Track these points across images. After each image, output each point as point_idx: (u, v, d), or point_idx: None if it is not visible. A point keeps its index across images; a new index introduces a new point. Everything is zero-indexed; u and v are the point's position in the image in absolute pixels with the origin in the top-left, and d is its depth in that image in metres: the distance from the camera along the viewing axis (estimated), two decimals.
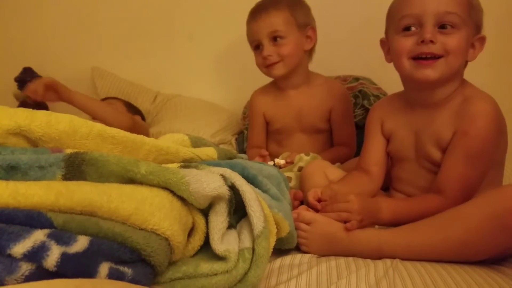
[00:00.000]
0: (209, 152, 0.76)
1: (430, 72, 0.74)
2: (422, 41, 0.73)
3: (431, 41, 0.72)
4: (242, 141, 1.46)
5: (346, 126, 1.19)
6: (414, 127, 0.81)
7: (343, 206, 0.72)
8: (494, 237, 0.61)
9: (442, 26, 0.73)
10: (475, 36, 0.75)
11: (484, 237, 0.61)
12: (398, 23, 0.77)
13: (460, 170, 0.72)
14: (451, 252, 0.64)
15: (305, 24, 1.12)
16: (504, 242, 0.62)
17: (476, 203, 0.64)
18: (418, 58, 0.74)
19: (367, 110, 1.30)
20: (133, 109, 1.55)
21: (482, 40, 0.76)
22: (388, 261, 0.64)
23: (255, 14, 1.12)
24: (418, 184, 0.82)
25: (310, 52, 1.17)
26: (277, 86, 1.22)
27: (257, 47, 1.14)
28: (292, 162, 1.05)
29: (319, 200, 0.78)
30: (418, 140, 0.81)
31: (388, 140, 0.87)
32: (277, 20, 1.08)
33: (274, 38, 1.09)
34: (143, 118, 1.57)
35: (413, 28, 0.75)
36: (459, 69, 0.76)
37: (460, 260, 0.64)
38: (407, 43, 0.75)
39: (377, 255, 0.67)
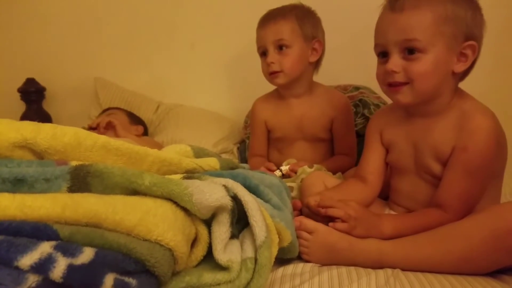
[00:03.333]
0: (212, 163, 0.77)
1: (400, 97, 0.76)
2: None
3: (394, 71, 0.74)
4: (244, 150, 1.47)
5: (347, 136, 1.20)
6: (413, 138, 0.81)
7: (340, 206, 0.73)
8: (496, 256, 0.61)
9: (410, 51, 0.73)
10: (462, 45, 0.73)
11: (485, 256, 0.62)
12: (374, 49, 0.80)
13: (462, 186, 0.73)
14: (451, 267, 0.64)
15: (312, 37, 1.13)
16: (506, 261, 0.62)
17: (477, 220, 0.64)
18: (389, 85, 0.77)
19: (367, 119, 1.31)
20: (135, 119, 1.56)
21: (473, 47, 0.73)
22: (389, 270, 0.65)
23: (264, 21, 1.15)
24: (417, 198, 0.82)
25: (315, 64, 1.19)
26: (279, 94, 1.23)
27: (263, 53, 1.16)
28: (295, 172, 1.06)
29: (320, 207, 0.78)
30: (417, 151, 0.81)
31: (387, 150, 0.88)
32: (283, 29, 1.10)
33: (280, 47, 1.11)
34: (146, 128, 1.58)
35: (383, 55, 0.77)
36: (440, 85, 0.75)
37: (460, 274, 0.64)
38: (380, 71, 0.78)
39: (377, 266, 0.67)
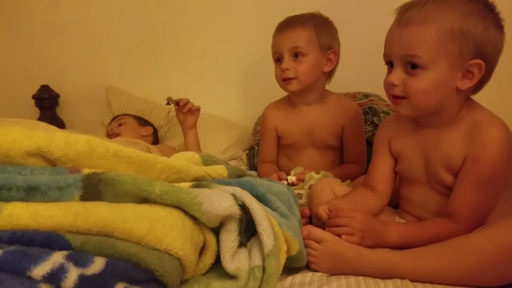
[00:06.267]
0: (220, 170, 0.77)
1: (400, 109, 0.76)
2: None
3: (394, 84, 0.73)
4: (253, 157, 1.47)
5: (357, 144, 1.19)
6: (423, 148, 0.80)
7: (346, 221, 0.73)
8: (506, 271, 0.60)
9: (412, 66, 0.71)
10: (467, 62, 0.70)
11: (495, 270, 0.61)
12: (383, 57, 0.79)
13: (473, 197, 0.72)
14: (461, 280, 0.63)
15: (328, 47, 1.14)
16: None
17: (488, 234, 0.63)
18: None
19: (377, 127, 1.30)
20: (143, 121, 1.59)
21: (479, 66, 0.70)
22: (398, 280, 0.64)
23: (281, 27, 1.15)
24: (429, 207, 0.81)
25: (329, 74, 1.19)
26: (290, 101, 1.23)
27: (278, 59, 1.16)
28: (302, 180, 1.06)
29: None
30: (428, 162, 0.80)
31: (396, 159, 0.87)
32: (300, 37, 1.10)
33: (295, 54, 1.11)
34: (155, 130, 1.61)
35: (391, 65, 0.76)
36: (441, 101, 0.73)
37: (469, 286, 0.63)
38: (385, 79, 0.77)
39: (386, 276, 0.66)
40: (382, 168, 0.87)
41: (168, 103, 1.30)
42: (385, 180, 0.87)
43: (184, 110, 1.31)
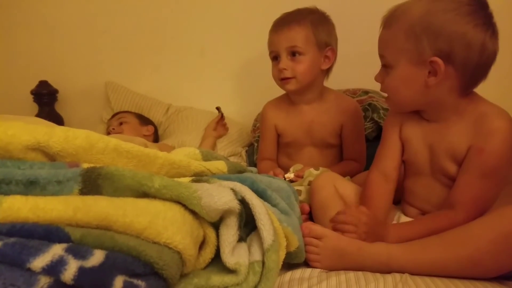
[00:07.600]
0: (220, 166, 0.77)
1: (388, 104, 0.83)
2: None
3: (377, 81, 0.82)
4: (252, 153, 1.47)
5: (357, 141, 1.19)
6: (429, 140, 0.81)
7: (351, 218, 0.73)
8: (505, 258, 0.61)
9: (384, 66, 0.80)
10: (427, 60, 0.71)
11: (495, 257, 0.61)
12: None
13: (475, 187, 0.72)
14: (460, 270, 0.63)
15: (326, 44, 1.11)
16: None
17: (485, 222, 0.63)
18: None
19: (376, 123, 1.31)
20: (145, 120, 1.59)
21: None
22: (397, 275, 0.64)
23: (277, 25, 1.12)
24: (432, 201, 0.81)
25: (327, 71, 1.17)
26: (289, 99, 1.22)
27: (275, 58, 1.14)
28: (301, 177, 1.06)
29: None
30: (433, 154, 0.80)
31: (403, 146, 0.86)
32: (297, 36, 1.08)
33: (293, 53, 1.10)
34: (156, 129, 1.61)
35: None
36: (415, 98, 0.77)
37: (470, 277, 0.63)
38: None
39: (386, 270, 0.67)
40: (396, 154, 0.86)
41: (218, 110, 1.54)
42: (398, 167, 0.86)
43: (223, 122, 1.53)
